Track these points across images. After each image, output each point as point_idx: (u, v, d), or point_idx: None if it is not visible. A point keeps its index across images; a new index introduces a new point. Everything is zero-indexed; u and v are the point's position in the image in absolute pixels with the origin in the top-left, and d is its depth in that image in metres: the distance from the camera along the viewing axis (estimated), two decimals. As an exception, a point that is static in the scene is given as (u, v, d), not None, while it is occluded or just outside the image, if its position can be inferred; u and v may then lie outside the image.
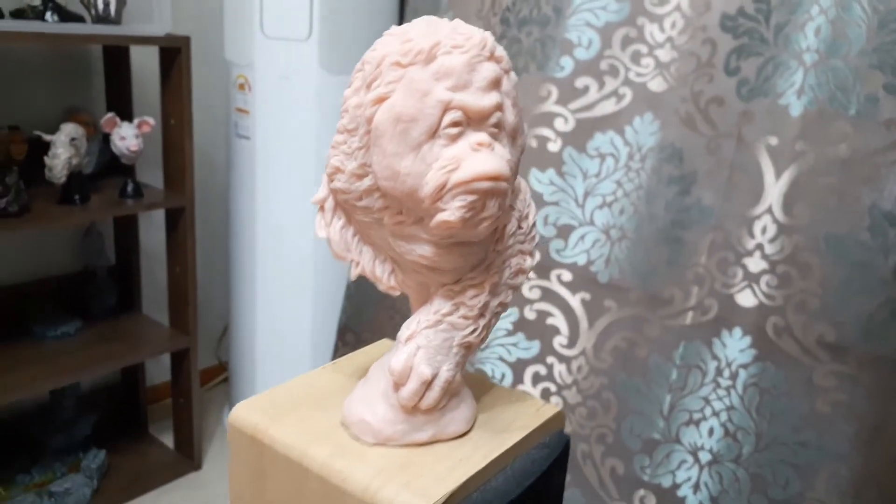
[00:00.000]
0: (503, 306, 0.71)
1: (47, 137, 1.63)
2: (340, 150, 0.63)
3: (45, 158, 1.63)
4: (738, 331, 1.31)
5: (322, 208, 0.69)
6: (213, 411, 2.35)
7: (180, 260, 1.94)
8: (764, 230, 1.28)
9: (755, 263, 1.28)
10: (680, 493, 1.37)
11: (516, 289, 0.71)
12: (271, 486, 0.72)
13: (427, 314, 0.68)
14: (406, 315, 0.71)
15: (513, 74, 0.62)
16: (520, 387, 1.53)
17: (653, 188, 1.39)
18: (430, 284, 0.68)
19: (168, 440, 2.14)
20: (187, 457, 2.07)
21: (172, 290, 1.99)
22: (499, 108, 0.60)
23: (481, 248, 0.66)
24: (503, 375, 1.54)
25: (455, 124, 0.58)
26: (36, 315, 1.88)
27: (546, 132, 1.48)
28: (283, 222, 1.91)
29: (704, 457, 1.35)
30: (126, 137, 1.73)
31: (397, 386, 0.68)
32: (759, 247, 1.28)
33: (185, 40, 1.77)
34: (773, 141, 1.26)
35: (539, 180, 1.49)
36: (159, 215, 2.05)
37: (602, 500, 1.45)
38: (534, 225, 0.71)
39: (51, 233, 1.97)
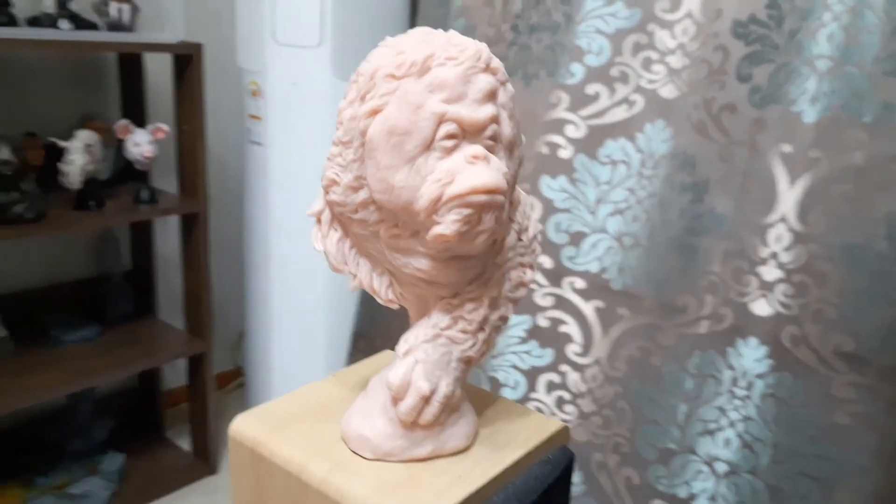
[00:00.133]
0: (504, 320, 0.70)
1: (63, 144, 1.65)
2: (336, 163, 0.63)
3: (61, 165, 1.65)
4: (753, 340, 1.28)
5: (319, 220, 0.68)
6: (229, 415, 2.33)
7: (195, 265, 1.95)
8: (778, 238, 1.25)
9: (770, 272, 1.26)
10: (695, 504, 1.35)
11: (517, 302, 0.70)
12: (270, 499, 0.72)
13: (425, 328, 0.67)
14: (418, 322, 0.70)
15: (509, 86, 0.61)
16: (533, 395, 1.52)
17: (665, 196, 1.37)
18: (429, 298, 0.67)
19: (185, 444, 2.15)
20: (203, 461, 2.08)
21: (188, 294, 2.01)
22: (494, 120, 0.59)
23: (479, 261, 0.65)
24: (516, 383, 1.53)
25: (450, 137, 0.57)
26: (53, 320, 1.90)
27: (557, 139, 1.47)
28: (296, 227, 1.92)
29: (721, 468, 1.33)
30: (140, 144, 1.74)
31: (396, 400, 0.67)
32: (774, 255, 1.26)
33: (198, 47, 1.78)
34: (787, 148, 1.24)
35: (550, 187, 1.47)
36: (174, 221, 2.07)
37: (615, 511, 1.43)
38: (534, 237, 0.70)
39: (67, 238, 1.99)
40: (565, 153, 1.46)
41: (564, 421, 1.48)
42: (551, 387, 1.50)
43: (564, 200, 1.47)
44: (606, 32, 1.41)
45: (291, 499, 0.69)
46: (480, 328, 0.67)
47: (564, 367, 1.49)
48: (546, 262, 1.49)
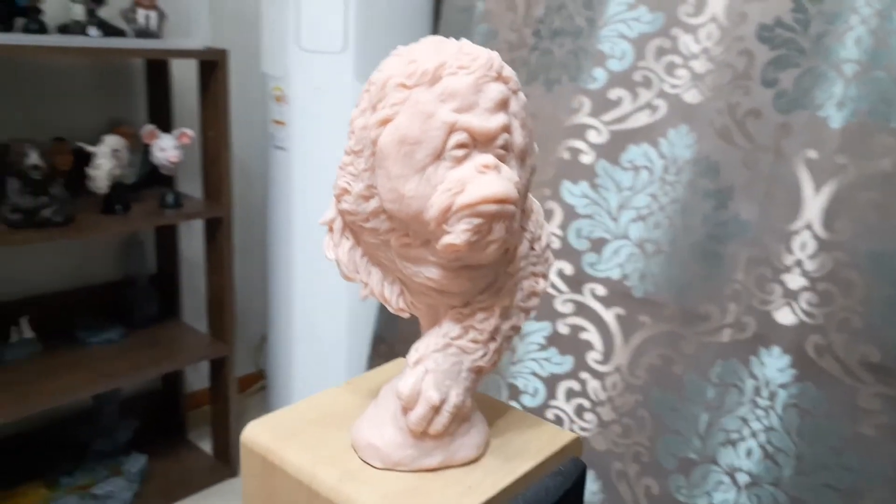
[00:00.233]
0: (515, 330, 0.69)
1: (90, 149, 1.68)
2: (347, 172, 0.63)
3: (89, 169, 1.68)
4: (776, 349, 1.26)
5: (331, 229, 0.68)
6: (250, 418, 2.35)
7: (219, 269, 1.97)
8: (803, 246, 1.23)
9: (794, 280, 1.24)
10: (716, 515, 1.33)
11: (529, 312, 0.69)
12: (282, 507, 0.72)
13: (436, 337, 0.66)
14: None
15: (521, 94, 0.61)
16: (553, 402, 1.51)
17: (688, 202, 1.35)
18: (440, 307, 0.67)
19: (206, 446, 2.17)
20: (224, 463, 2.09)
21: (211, 298, 2.02)
22: (506, 129, 0.59)
23: (491, 270, 0.65)
24: (536, 391, 1.52)
25: (461, 146, 0.57)
26: (79, 322, 1.93)
27: (579, 144, 1.46)
28: (319, 232, 1.92)
29: (742, 479, 1.31)
30: (166, 149, 1.76)
31: (406, 410, 0.67)
32: (799, 263, 1.23)
33: (223, 53, 1.80)
34: (813, 154, 1.22)
35: (572, 192, 1.46)
36: (199, 225, 2.09)
37: (635, 521, 1.42)
38: (547, 247, 0.69)
39: (94, 242, 2.01)
40: (587, 158, 1.45)
41: (584, 429, 1.47)
42: (571, 394, 1.49)
43: (586, 206, 1.45)
44: (629, 37, 1.40)
45: (302, 507, 0.69)
46: (491, 338, 0.67)
47: (584, 375, 1.47)
48: (567, 268, 1.48)
